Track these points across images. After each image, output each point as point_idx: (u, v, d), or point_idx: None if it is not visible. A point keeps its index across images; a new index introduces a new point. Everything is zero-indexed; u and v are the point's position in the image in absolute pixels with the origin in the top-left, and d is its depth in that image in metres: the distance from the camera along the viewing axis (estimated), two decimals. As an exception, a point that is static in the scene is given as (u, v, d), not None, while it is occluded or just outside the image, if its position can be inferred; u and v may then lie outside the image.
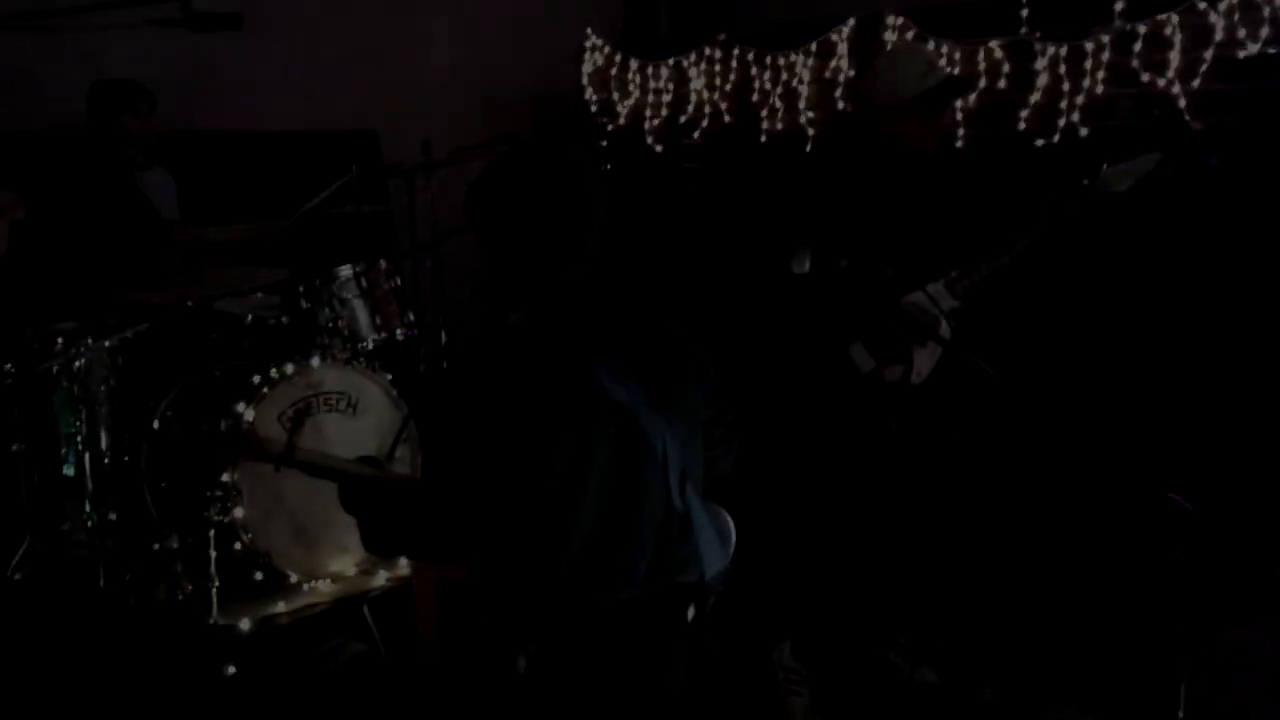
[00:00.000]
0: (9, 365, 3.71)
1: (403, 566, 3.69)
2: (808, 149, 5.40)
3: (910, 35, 5.01)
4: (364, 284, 4.06)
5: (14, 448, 3.75)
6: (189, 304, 3.90)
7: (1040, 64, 4.68)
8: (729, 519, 2.24)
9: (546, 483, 1.95)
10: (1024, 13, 4.73)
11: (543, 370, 1.97)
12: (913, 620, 3.61)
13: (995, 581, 4.38)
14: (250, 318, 4.13)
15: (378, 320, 4.07)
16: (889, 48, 3.36)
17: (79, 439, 3.67)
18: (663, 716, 2.25)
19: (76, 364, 3.68)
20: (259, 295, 4.25)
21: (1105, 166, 3.12)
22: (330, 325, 3.95)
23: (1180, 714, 2.40)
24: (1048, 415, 2.12)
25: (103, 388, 3.82)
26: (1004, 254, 3.17)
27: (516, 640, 2.01)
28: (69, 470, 3.79)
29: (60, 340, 3.78)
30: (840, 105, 5.30)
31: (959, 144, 4.93)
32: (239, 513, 3.50)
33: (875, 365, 3.23)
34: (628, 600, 2.03)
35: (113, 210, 4.16)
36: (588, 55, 6.26)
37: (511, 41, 6.24)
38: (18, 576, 3.67)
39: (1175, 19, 4.33)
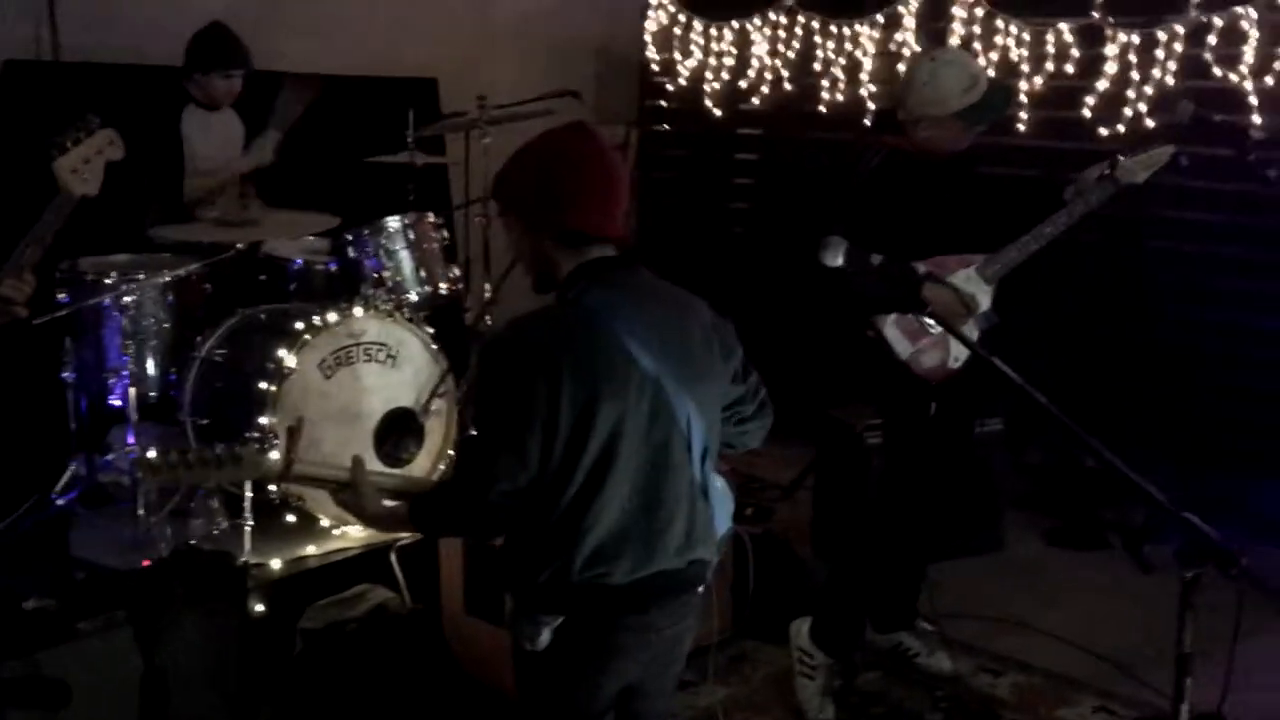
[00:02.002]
0: (63, 295, 3.81)
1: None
2: (866, 122, 5.35)
3: (980, 12, 4.92)
4: (411, 236, 4.10)
5: (65, 376, 3.85)
6: (239, 246, 3.95)
7: (1110, 50, 4.58)
8: (726, 483, 2.27)
9: (582, 456, 1.98)
10: (1098, -4, 4.63)
11: (578, 344, 2.00)
12: (934, 608, 3.61)
13: (1017, 571, 4.39)
14: (299, 262, 4.19)
15: (423, 273, 4.10)
16: (930, 57, 3.32)
17: (126, 371, 3.76)
18: (671, 688, 2.31)
19: (127, 299, 3.76)
20: (309, 240, 4.30)
21: (1122, 158, 3.16)
22: (376, 275, 3.99)
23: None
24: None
25: (152, 323, 3.91)
26: (1033, 240, 3.21)
27: (541, 614, 2.06)
28: (115, 401, 3.89)
29: (113, 274, 3.87)
30: (869, 104, 5.24)
31: (1021, 127, 4.86)
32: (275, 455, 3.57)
33: (912, 349, 3.23)
34: (652, 575, 2.07)
35: (147, 155, 4.16)
36: (652, 13, 6.20)
37: (576, -6, 6.20)
38: (61, 502, 3.78)
39: (1253, 14, 4.22)
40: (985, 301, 3.27)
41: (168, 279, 3.86)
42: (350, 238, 4.04)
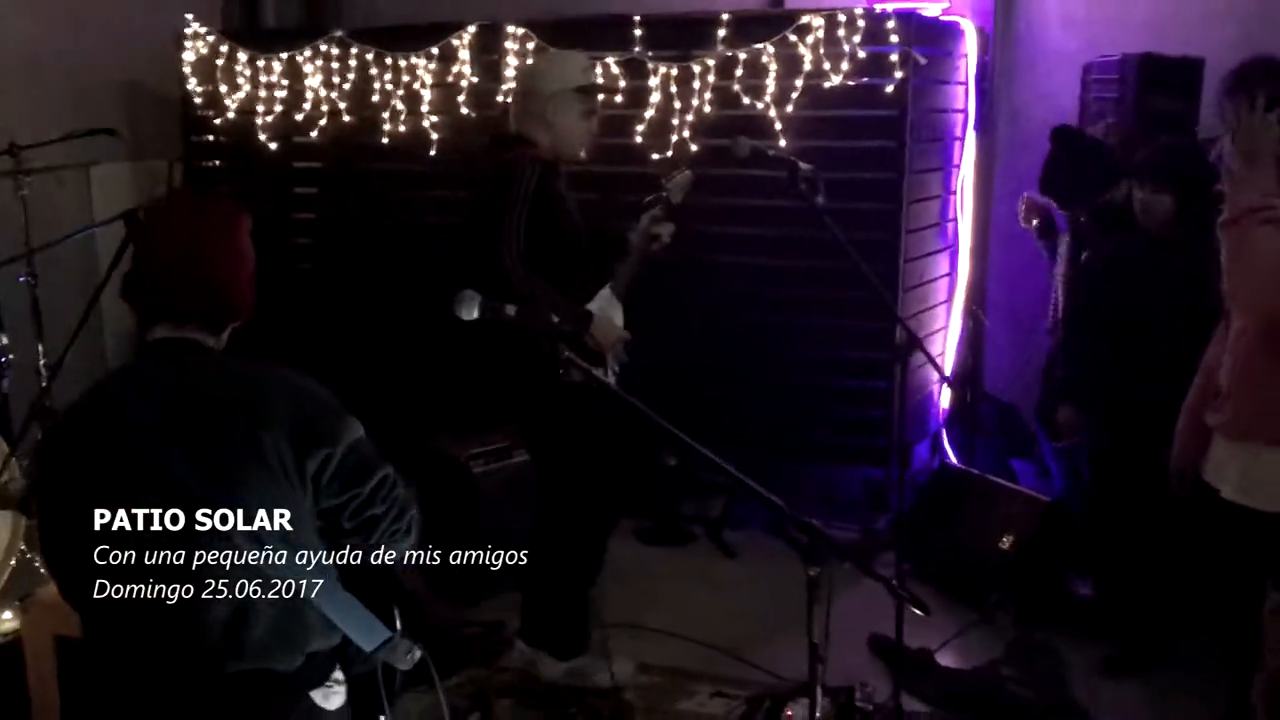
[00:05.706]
0: None
1: (7, 620, 3.35)
2: (431, 153, 5.40)
3: (531, 46, 5.12)
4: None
5: None
6: None
7: (653, 82, 4.95)
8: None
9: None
10: (637, 32, 4.97)
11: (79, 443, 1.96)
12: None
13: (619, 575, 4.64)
14: None
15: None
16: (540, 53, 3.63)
17: None
18: None
19: None
20: None
21: (665, 181, 3.64)
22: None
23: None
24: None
25: None
26: (635, 258, 3.60)
27: None
28: None
29: None
30: (433, 134, 5.37)
31: (581, 154, 5.11)
32: None
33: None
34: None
35: None
36: (189, 43, 5.85)
37: (97, 21, 5.69)
38: None
39: (770, 49, 4.74)
40: (620, 318, 3.61)
41: None
42: None
